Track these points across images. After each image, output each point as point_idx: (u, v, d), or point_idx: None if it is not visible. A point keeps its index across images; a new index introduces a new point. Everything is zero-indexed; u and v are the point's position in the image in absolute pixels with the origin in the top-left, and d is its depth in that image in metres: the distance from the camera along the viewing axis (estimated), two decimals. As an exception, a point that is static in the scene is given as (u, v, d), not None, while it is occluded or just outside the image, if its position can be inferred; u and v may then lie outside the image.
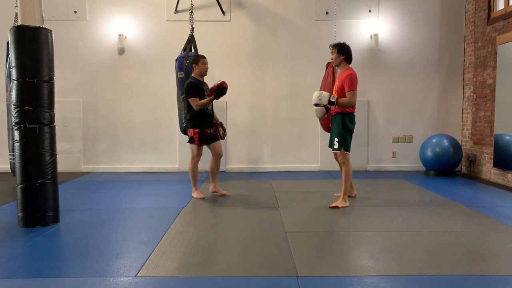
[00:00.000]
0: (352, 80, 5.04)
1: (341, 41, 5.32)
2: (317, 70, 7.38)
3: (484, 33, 7.22)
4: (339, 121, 5.17)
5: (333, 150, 5.29)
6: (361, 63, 7.94)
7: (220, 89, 5.33)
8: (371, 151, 8.12)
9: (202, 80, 5.56)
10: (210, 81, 5.65)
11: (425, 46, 8.01)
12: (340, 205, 5.14)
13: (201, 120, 5.44)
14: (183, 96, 6.68)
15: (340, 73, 5.28)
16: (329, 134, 5.50)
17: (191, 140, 5.49)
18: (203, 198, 5.56)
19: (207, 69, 5.54)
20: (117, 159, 8.00)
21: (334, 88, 5.32)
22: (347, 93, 5.06)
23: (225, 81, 5.37)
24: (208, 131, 5.47)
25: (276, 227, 4.32)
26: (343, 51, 5.17)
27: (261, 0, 7.96)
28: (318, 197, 5.51)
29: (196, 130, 5.42)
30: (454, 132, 7.94)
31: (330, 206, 5.14)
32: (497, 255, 3.59)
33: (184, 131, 6.81)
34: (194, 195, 5.64)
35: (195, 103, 5.34)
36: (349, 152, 5.18)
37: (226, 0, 7.84)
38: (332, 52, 5.26)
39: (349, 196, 5.52)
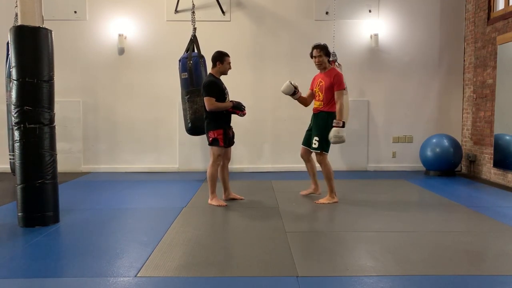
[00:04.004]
0: (341, 79, 5.19)
1: (321, 43, 5.32)
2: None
3: (484, 33, 7.22)
4: (324, 121, 5.19)
5: (311, 149, 5.32)
6: (361, 63, 7.97)
7: (240, 107, 5.15)
8: (371, 151, 8.12)
9: (220, 78, 5.22)
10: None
11: (425, 46, 8.01)
12: (326, 202, 5.26)
13: (224, 120, 5.15)
14: (188, 96, 6.68)
15: (325, 72, 5.26)
16: None
17: (214, 142, 5.11)
18: (226, 205, 5.19)
19: (230, 68, 5.24)
20: (117, 159, 8.00)
21: (317, 88, 5.28)
22: (336, 92, 5.13)
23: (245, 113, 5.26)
24: (230, 132, 5.22)
25: (276, 227, 4.32)
26: (328, 52, 5.25)
27: (261, 0, 7.96)
28: (318, 197, 5.50)
29: (221, 131, 5.08)
30: (454, 132, 7.95)
31: (317, 202, 5.28)
32: (497, 255, 3.59)
33: (191, 131, 6.80)
34: (213, 202, 5.21)
35: (210, 102, 5.01)
36: (327, 152, 5.24)
37: (226, 0, 7.85)
38: (319, 55, 5.18)
39: (312, 193, 5.59)
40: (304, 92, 5.55)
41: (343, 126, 5.10)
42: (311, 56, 5.29)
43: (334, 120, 5.11)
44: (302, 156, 5.51)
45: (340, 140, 5.12)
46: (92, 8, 7.88)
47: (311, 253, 3.59)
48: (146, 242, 3.83)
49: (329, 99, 5.17)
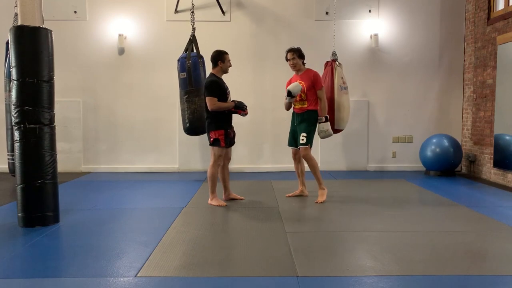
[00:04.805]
0: (320, 78, 5.46)
1: (294, 46, 5.49)
2: (317, 70, 7.37)
3: (484, 33, 7.22)
4: (310, 118, 5.38)
5: (298, 146, 5.42)
6: (361, 63, 7.98)
7: (242, 107, 5.16)
8: (371, 151, 8.12)
9: (222, 78, 5.23)
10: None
11: (425, 46, 8.01)
12: (325, 198, 5.40)
13: (226, 121, 5.15)
14: (186, 96, 6.68)
15: (302, 74, 5.42)
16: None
17: (215, 143, 5.10)
18: (226, 206, 5.20)
19: (231, 65, 5.25)
20: (117, 159, 8.00)
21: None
22: (319, 91, 5.35)
23: (247, 113, 5.28)
24: (231, 132, 5.23)
25: (276, 227, 4.32)
26: (301, 54, 5.42)
27: (261, 0, 7.97)
28: (316, 198, 5.50)
29: (222, 132, 5.08)
30: (454, 132, 7.95)
31: (317, 201, 5.35)
32: (497, 255, 3.59)
33: (189, 131, 6.80)
34: (214, 202, 5.21)
35: (213, 102, 5.00)
36: (312, 146, 5.42)
37: (226, 0, 7.85)
38: (293, 57, 5.38)
39: (301, 195, 5.67)
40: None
41: (326, 121, 5.38)
42: (286, 60, 5.49)
43: (319, 117, 5.37)
44: (294, 157, 5.63)
45: (327, 134, 5.46)
46: (92, 8, 7.88)
47: (311, 253, 3.58)
48: (146, 242, 3.83)
49: (313, 98, 5.36)
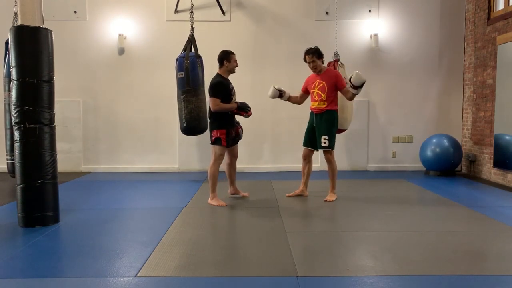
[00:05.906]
0: (342, 78, 5.36)
1: (312, 47, 5.37)
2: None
3: (484, 33, 7.22)
4: (331, 119, 5.33)
5: (319, 149, 5.41)
6: (361, 63, 7.96)
7: (244, 109, 5.18)
8: (371, 151, 8.12)
9: (228, 78, 5.26)
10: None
11: (425, 46, 8.01)
12: (334, 198, 5.43)
13: (228, 121, 5.18)
14: (184, 96, 6.68)
15: (322, 74, 5.35)
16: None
17: (216, 142, 5.14)
18: (226, 205, 5.17)
19: (237, 65, 5.27)
20: (117, 159, 8.00)
21: (317, 88, 5.33)
22: (343, 90, 5.26)
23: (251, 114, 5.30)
24: (233, 132, 5.26)
25: (276, 227, 4.32)
26: (319, 54, 5.31)
27: (261, 0, 7.96)
28: (318, 197, 5.51)
29: (223, 131, 5.11)
30: (454, 132, 7.94)
31: (326, 200, 5.39)
32: (497, 255, 3.59)
33: (186, 131, 6.81)
34: (214, 202, 5.18)
35: (216, 103, 5.04)
36: (334, 149, 5.41)
37: (226, 0, 7.85)
38: (312, 60, 5.26)
39: (301, 195, 5.64)
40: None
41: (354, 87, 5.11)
42: (305, 61, 5.40)
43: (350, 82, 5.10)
44: (305, 157, 5.57)
45: (360, 79, 5.02)
46: (92, 8, 7.88)
47: (311, 253, 3.58)
48: (146, 242, 3.83)
49: (332, 98, 5.31)
